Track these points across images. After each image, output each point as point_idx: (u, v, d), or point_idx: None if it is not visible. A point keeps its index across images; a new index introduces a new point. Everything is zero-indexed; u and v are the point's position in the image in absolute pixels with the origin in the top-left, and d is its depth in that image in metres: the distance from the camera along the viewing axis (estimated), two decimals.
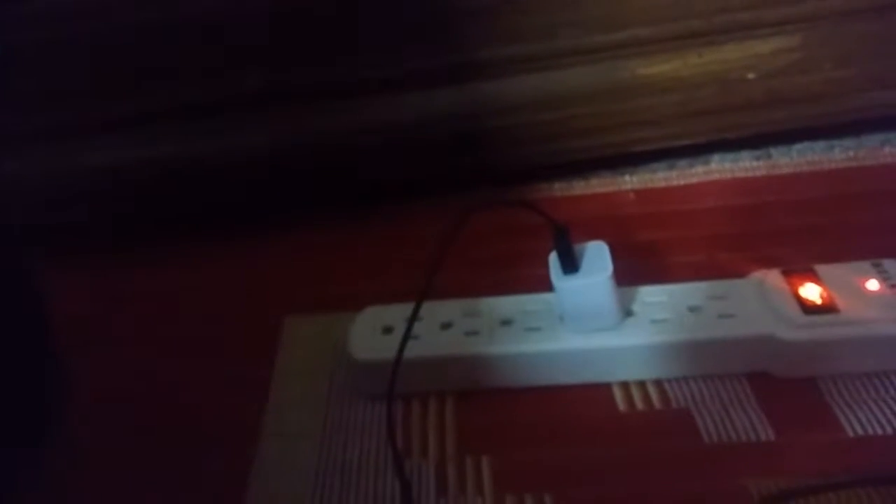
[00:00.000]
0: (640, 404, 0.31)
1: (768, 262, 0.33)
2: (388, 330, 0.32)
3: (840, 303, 0.30)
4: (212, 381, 0.35)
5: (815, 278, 0.31)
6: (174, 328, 0.39)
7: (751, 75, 0.39)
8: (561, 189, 0.43)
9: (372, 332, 0.33)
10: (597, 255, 0.31)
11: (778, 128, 0.41)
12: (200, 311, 0.39)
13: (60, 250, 0.44)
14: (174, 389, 0.35)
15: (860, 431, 0.29)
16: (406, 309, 0.32)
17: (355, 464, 0.31)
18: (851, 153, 0.41)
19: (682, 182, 0.42)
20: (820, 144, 0.43)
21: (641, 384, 0.32)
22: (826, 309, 0.30)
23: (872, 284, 0.30)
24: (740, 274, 0.33)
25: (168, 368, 0.36)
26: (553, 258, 0.31)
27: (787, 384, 0.30)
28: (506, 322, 0.32)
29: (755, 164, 0.42)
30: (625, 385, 0.32)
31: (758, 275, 0.32)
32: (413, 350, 0.31)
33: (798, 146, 0.43)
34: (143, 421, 0.34)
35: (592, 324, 0.31)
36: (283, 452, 0.31)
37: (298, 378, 0.35)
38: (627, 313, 0.31)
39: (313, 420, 0.33)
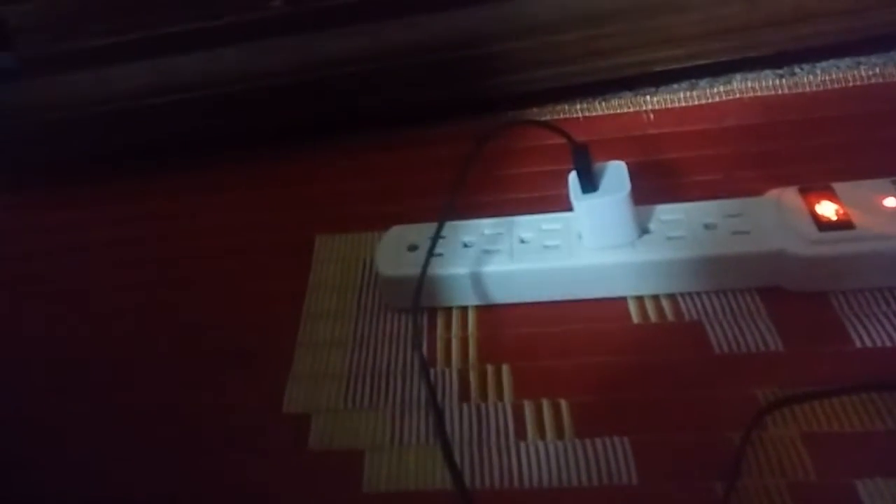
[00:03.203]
0: (653, 317, 0.31)
1: (787, 181, 0.31)
2: (412, 248, 0.32)
3: (855, 219, 0.29)
4: (247, 296, 0.36)
5: (832, 195, 0.30)
6: (208, 246, 0.39)
7: None
8: (582, 110, 0.41)
9: (398, 250, 0.33)
10: (615, 175, 0.30)
11: (803, 45, 0.39)
12: (235, 230, 0.40)
13: (88, 175, 0.45)
14: (211, 304, 0.36)
15: (868, 343, 0.28)
16: (430, 228, 0.32)
17: (384, 371, 0.31)
18: (877, 70, 0.39)
19: (702, 102, 0.40)
20: (846, 62, 0.40)
21: (655, 298, 0.31)
22: (841, 225, 0.29)
23: (890, 201, 0.29)
24: (758, 192, 0.32)
25: (206, 283, 0.37)
26: (573, 177, 0.30)
27: (799, 298, 0.30)
28: (525, 240, 0.32)
29: (778, 82, 0.40)
30: (639, 299, 0.31)
31: (774, 192, 0.31)
32: (437, 267, 0.31)
33: (823, 64, 0.41)
34: (182, 331, 0.35)
35: (609, 241, 0.30)
36: (317, 360, 0.32)
37: (330, 292, 0.35)
38: (644, 231, 0.31)
39: (344, 331, 0.33)
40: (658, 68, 0.40)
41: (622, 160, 0.30)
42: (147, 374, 0.33)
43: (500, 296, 0.32)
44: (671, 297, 0.31)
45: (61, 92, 0.42)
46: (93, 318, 0.37)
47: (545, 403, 0.29)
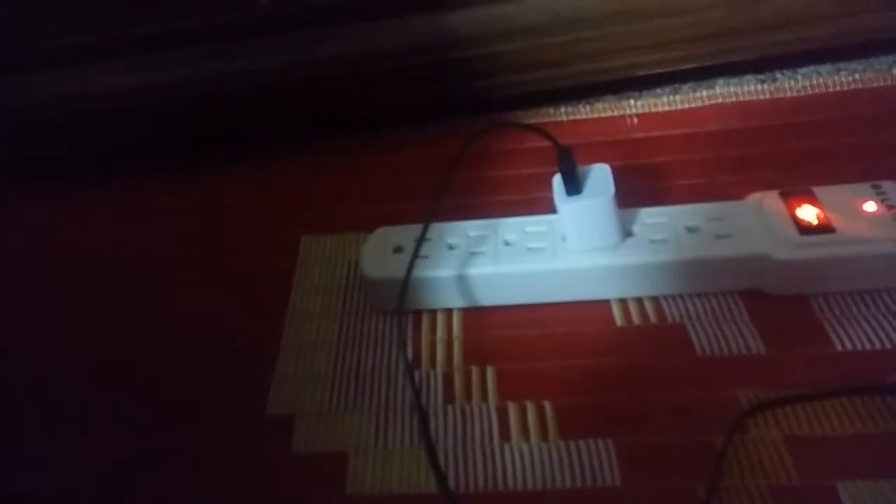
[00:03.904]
0: (637, 320, 0.31)
1: (769, 185, 0.31)
2: (398, 249, 0.32)
3: (836, 223, 0.29)
4: (232, 297, 0.35)
5: (813, 200, 0.30)
6: (194, 247, 0.38)
7: None
8: (566, 113, 0.41)
9: (383, 252, 0.32)
10: (599, 178, 0.30)
11: (785, 50, 0.39)
12: (220, 230, 0.39)
13: (77, 175, 0.44)
14: (196, 304, 0.35)
15: (849, 346, 0.28)
16: (415, 230, 0.31)
17: (368, 373, 0.31)
18: (857, 76, 0.39)
19: (685, 106, 0.40)
20: (826, 67, 0.40)
21: (639, 301, 0.31)
22: (822, 229, 0.29)
23: (870, 206, 0.29)
24: (740, 196, 0.32)
25: (189, 285, 0.36)
26: (557, 180, 0.30)
27: (780, 301, 0.30)
28: (510, 242, 0.31)
29: (760, 87, 0.40)
30: (623, 302, 0.31)
31: (756, 196, 0.31)
32: (422, 269, 0.31)
33: (804, 69, 0.41)
34: (165, 333, 0.34)
35: (593, 244, 0.30)
36: (301, 362, 0.32)
37: (314, 294, 0.35)
38: (627, 234, 0.31)
39: (329, 333, 0.33)
40: (642, 72, 0.40)
41: (606, 163, 0.30)
42: (129, 376, 0.33)
43: (485, 298, 0.32)
44: (654, 299, 0.31)
45: (48, 91, 0.41)
46: (74, 319, 0.36)
47: (529, 405, 0.29)
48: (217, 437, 0.30)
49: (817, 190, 0.30)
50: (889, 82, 0.39)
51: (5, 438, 0.31)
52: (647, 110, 0.40)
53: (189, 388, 0.32)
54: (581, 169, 0.30)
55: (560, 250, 0.31)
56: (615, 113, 0.41)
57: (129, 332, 0.35)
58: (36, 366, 0.34)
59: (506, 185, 0.38)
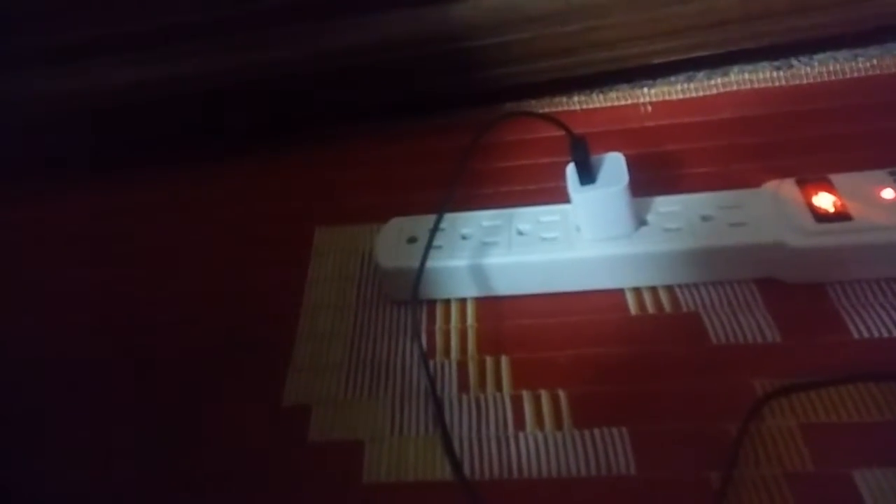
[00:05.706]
0: (651, 308, 0.31)
1: (785, 173, 0.31)
2: (412, 240, 0.32)
3: (853, 211, 0.29)
4: (248, 288, 0.36)
5: (830, 187, 0.30)
6: (210, 238, 0.39)
7: None
8: (580, 102, 0.41)
9: (397, 242, 0.32)
10: (613, 167, 0.30)
11: (800, 37, 0.39)
12: (235, 222, 0.39)
13: (87, 169, 0.44)
14: (211, 296, 0.36)
15: (865, 334, 0.28)
16: (429, 220, 0.31)
17: (383, 362, 0.31)
18: (875, 62, 0.38)
19: (700, 94, 0.40)
20: (843, 53, 0.40)
21: (653, 290, 0.31)
22: (838, 217, 0.29)
23: (887, 193, 0.29)
24: (756, 184, 0.31)
25: (205, 275, 0.37)
26: (571, 169, 0.30)
27: (796, 289, 0.30)
28: (523, 232, 0.31)
29: (775, 74, 0.39)
30: (637, 291, 0.31)
31: (772, 184, 0.31)
32: (436, 259, 0.31)
33: (820, 56, 0.40)
34: (182, 325, 0.35)
35: (607, 233, 0.30)
36: (317, 352, 0.32)
37: (329, 284, 0.35)
38: (642, 222, 0.30)
39: (344, 323, 0.33)
40: (656, 60, 0.39)
41: (620, 152, 0.30)
42: (147, 368, 0.33)
43: (499, 287, 0.32)
44: (668, 288, 0.31)
45: (52, 87, 0.41)
46: (91, 313, 0.36)
47: (543, 394, 0.29)
48: (234, 427, 0.30)
49: (834, 177, 0.30)
50: None
51: (17, 436, 0.32)
52: (661, 98, 0.40)
53: (206, 377, 0.32)
54: (595, 158, 0.30)
55: (574, 240, 0.31)
56: (629, 101, 0.40)
57: (145, 322, 0.35)
58: (49, 362, 0.35)
59: (519, 175, 0.38)
